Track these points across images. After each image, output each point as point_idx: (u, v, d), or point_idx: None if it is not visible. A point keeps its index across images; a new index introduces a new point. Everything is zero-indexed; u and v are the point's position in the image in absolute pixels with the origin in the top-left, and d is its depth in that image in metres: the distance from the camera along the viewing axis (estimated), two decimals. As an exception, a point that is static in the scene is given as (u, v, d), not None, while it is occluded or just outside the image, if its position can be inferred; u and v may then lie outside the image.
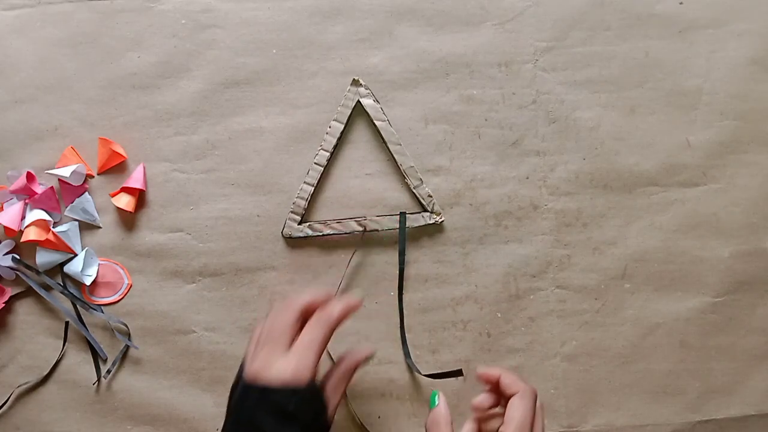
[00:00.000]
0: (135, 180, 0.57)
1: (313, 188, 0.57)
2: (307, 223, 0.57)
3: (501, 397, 0.46)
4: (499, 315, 0.57)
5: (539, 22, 0.58)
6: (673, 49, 0.58)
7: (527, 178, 0.58)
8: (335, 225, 0.57)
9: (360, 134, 0.58)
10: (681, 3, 0.58)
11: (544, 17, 0.58)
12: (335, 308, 0.46)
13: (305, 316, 0.46)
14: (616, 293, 0.58)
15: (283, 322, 0.45)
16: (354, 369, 0.48)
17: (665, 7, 0.58)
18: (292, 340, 0.45)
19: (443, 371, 0.55)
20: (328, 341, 0.45)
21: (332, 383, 0.46)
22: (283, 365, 0.43)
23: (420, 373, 0.56)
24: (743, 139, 0.58)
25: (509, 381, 0.45)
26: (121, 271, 0.57)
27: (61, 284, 0.57)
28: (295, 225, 0.57)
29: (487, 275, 0.57)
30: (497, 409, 0.46)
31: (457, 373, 0.54)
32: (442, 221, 0.57)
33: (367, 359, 0.48)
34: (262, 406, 0.42)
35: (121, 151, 0.57)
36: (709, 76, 0.58)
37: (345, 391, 0.48)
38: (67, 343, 0.57)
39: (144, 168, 0.57)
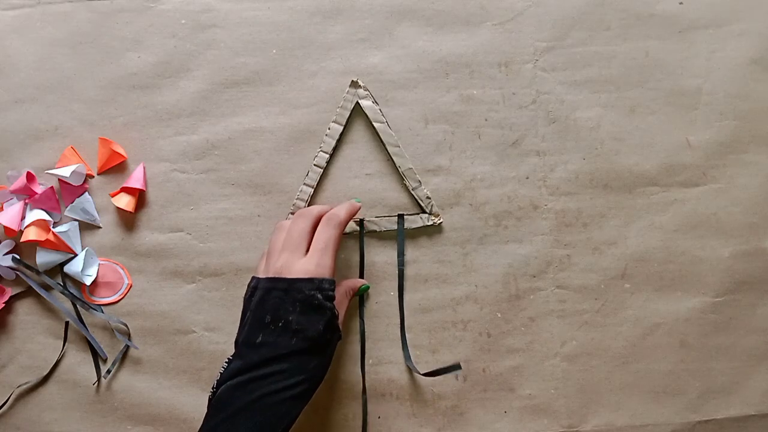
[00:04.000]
0: (135, 180, 0.57)
1: (312, 190, 0.57)
2: (307, 223, 0.57)
3: None
4: (499, 315, 0.57)
5: (539, 22, 0.58)
6: (673, 49, 0.58)
7: (527, 178, 0.58)
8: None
9: (360, 134, 0.58)
10: (681, 3, 0.58)
11: (544, 17, 0.58)
12: (341, 210, 0.50)
13: (317, 225, 0.50)
14: (616, 293, 0.58)
15: (299, 230, 0.49)
16: (353, 290, 0.54)
17: (665, 7, 0.58)
18: (308, 246, 0.49)
19: (441, 368, 0.55)
20: (339, 241, 0.50)
21: (337, 299, 0.50)
22: (305, 263, 0.47)
23: (419, 373, 0.56)
24: (743, 139, 0.58)
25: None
26: (121, 271, 0.58)
27: (61, 284, 0.57)
28: (295, 225, 0.57)
29: (487, 275, 0.57)
30: None
31: (455, 367, 0.54)
32: (441, 222, 0.57)
33: (361, 289, 0.55)
34: (288, 299, 0.46)
35: (121, 151, 0.57)
36: (709, 76, 0.58)
37: (347, 309, 0.54)
38: (67, 343, 0.57)
39: (144, 168, 0.57)
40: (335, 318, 0.47)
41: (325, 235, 0.48)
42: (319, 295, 0.46)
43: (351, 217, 0.51)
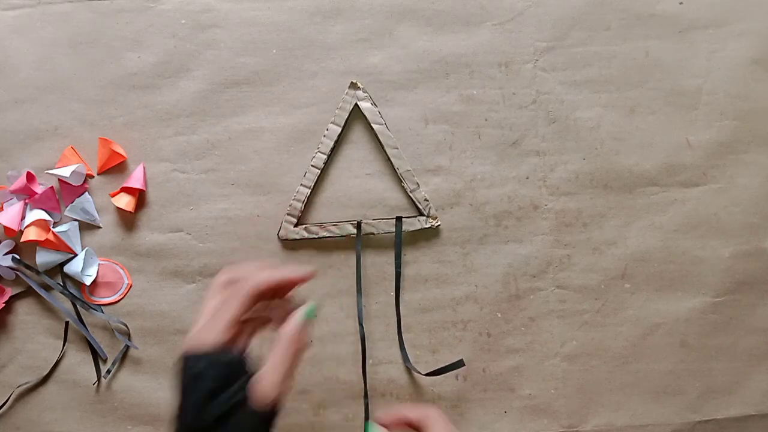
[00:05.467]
0: (135, 180, 0.57)
1: (309, 191, 0.57)
2: (303, 226, 0.57)
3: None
4: (499, 315, 0.57)
5: (539, 22, 0.58)
6: (673, 49, 0.58)
7: (527, 178, 0.58)
8: (331, 228, 0.57)
9: (360, 134, 0.58)
10: (681, 3, 0.58)
11: (544, 17, 0.58)
12: (251, 280, 0.44)
13: (224, 289, 0.45)
14: (616, 293, 0.58)
15: (204, 302, 0.45)
16: (296, 335, 0.43)
17: (665, 7, 0.58)
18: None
19: (443, 366, 0.55)
20: (239, 310, 0.43)
21: (276, 354, 0.42)
22: (192, 334, 0.44)
23: (421, 374, 0.56)
24: (743, 139, 0.58)
25: (415, 413, 0.45)
26: (121, 271, 0.58)
27: (61, 284, 0.57)
28: (291, 227, 0.57)
29: (487, 275, 0.57)
30: None
31: (459, 364, 0.54)
32: (438, 225, 0.57)
33: (307, 313, 0.44)
34: (180, 372, 0.44)
35: (121, 151, 0.57)
36: (709, 76, 0.58)
37: (295, 361, 0.43)
38: (67, 343, 0.57)
39: (144, 168, 0.57)
40: (234, 379, 0.42)
41: (224, 305, 0.43)
42: (198, 369, 0.43)
43: (268, 283, 0.43)
